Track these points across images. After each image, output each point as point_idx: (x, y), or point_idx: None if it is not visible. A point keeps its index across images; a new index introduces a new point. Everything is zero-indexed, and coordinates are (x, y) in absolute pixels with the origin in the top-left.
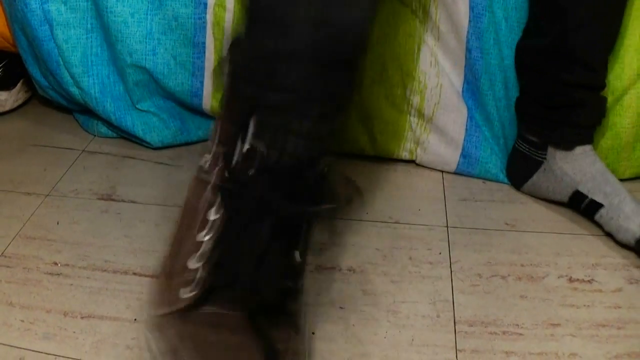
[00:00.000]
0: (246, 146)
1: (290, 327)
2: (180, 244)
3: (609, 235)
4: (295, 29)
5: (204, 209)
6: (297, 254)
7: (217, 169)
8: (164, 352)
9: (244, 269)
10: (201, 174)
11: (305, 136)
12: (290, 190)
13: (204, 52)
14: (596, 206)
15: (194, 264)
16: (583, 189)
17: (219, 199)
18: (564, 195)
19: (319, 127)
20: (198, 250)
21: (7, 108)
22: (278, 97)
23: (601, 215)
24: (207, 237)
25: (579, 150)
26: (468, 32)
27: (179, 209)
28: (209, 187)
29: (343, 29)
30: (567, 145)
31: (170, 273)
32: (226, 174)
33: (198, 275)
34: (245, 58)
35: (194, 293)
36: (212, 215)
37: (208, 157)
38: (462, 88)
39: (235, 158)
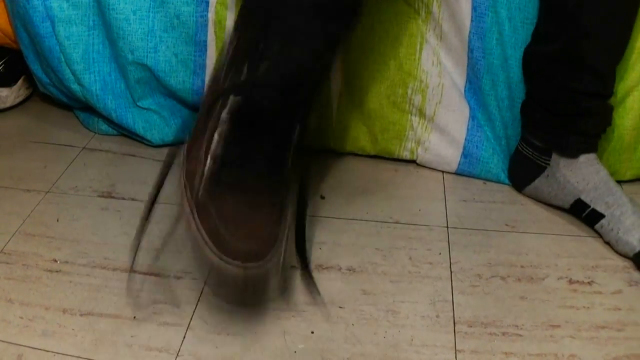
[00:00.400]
0: (260, 49)
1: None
2: (210, 111)
3: (608, 244)
4: None
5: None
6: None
7: (230, 75)
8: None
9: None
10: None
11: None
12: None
13: (206, 51)
14: (597, 216)
15: (217, 136)
16: (585, 198)
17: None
18: (566, 203)
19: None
20: (219, 125)
21: (8, 104)
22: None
23: (602, 225)
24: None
25: (583, 158)
26: (470, 31)
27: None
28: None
29: None
30: (572, 153)
31: (199, 134)
32: (241, 77)
33: (220, 146)
34: None
35: (217, 162)
36: (224, 115)
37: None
38: (464, 88)
39: (249, 63)
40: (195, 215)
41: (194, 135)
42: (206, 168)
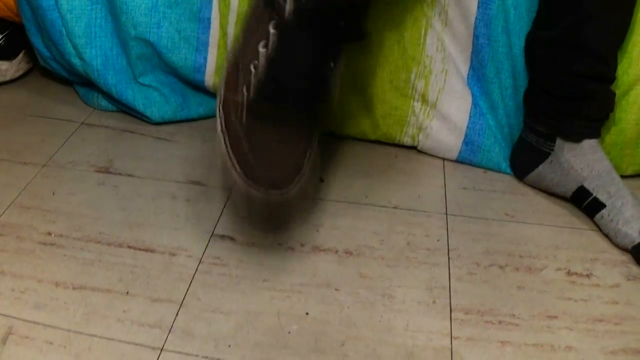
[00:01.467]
0: None
1: (310, 129)
2: (248, 41)
3: (607, 236)
4: None
5: (265, 22)
6: (331, 64)
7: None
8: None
9: (293, 79)
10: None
11: None
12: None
13: (209, 28)
14: (598, 206)
15: (248, 73)
16: (588, 186)
17: (277, 17)
18: (568, 190)
19: None
20: (252, 61)
21: (7, 78)
22: None
23: (602, 216)
24: (262, 50)
25: (587, 144)
26: (476, 18)
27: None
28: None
29: None
30: (576, 137)
31: (237, 65)
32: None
33: (256, 79)
34: None
35: (253, 94)
36: (271, 29)
37: None
38: (468, 75)
39: None
40: (227, 139)
41: (233, 61)
42: (243, 98)
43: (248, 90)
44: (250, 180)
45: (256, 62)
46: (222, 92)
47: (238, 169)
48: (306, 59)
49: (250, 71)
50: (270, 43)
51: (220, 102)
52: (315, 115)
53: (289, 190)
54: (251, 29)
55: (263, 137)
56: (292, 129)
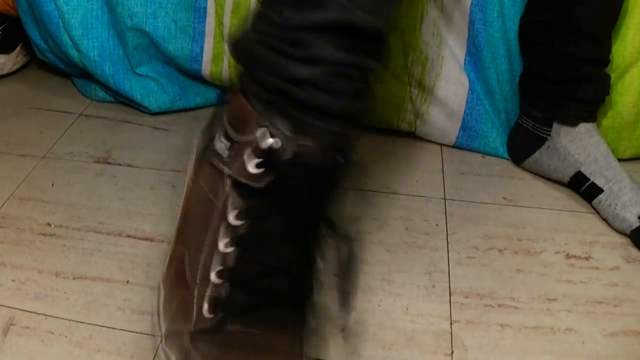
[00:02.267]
0: (271, 135)
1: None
2: (199, 243)
3: (605, 220)
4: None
5: (222, 207)
6: (319, 262)
7: (238, 163)
8: None
9: (272, 285)
10: (217, 162)
11: (336, 115)
12: (321, 188)
13: (205, 17)
14: (596, 191)
15: (217, 278)
16: (586, 171)
17: (240, 202)
18: (565, 175)
19: (351, 106)
20: (220, 262)
21: (5, 71)
22: (308, 71)
23: (600, 200)
24: (229, 249)
25: (584, 128)
26: (472, 3)
27: (186, 189)
28: (228, 182)
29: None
30: (572, 121)
31: (188, 281)
32: (250, 169)
33: (223, 294)
34: (273, 26)
35: (219, 314)
36: (233, 220)
37: (225, 144)
38: (464, 60)
39: (259, 151)
40: None
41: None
42: (206, 322)
43: (213, 310)
44: None
45: (223, 267)
46: (166, 327)
47: None
48: (292, 245)
49: (215, 278)
50: (239, 237)
51: (164, 340)
52: (301, 314)
53: None
54: (199, 225)
55: (249, 347)
56: (276, 338)
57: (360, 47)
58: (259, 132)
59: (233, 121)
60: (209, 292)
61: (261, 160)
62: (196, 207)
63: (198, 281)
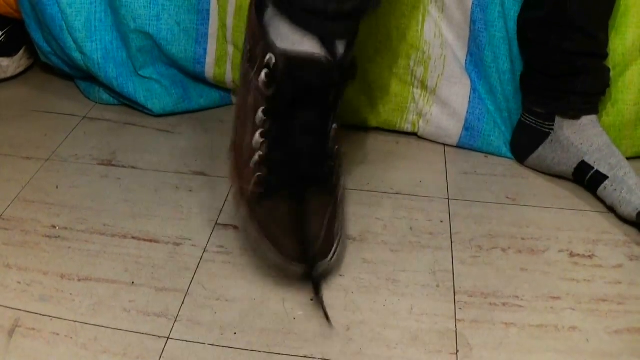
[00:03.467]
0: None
1: (330, 195)
2: (243, 135)
3: (611, 210)
4: None
5: (253, 110)
6: (333, 126)
7: (254, 72)
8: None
9: (298, 167)
10: (248, 69)
11: (330, 17)
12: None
13: (208, 19)
14: (601, 178)
15: (255, 165)
16: (589, 160)
17: (262, 103)
18: (570, 166)
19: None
20: (255, 153)
21: (9, 74)
22: None
23: (605, 187)
24: (260, 140)
25: (586, 119)
26: (473, 3)
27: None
28: (253, 88)
29: None
30: (574, 113)
31: (241, 154)
32: (264, 77)
33: (260, 174)
34: None
35: (259, 190)
36: (260, 116)
37: (247, 56)
38: (466, 60)
39: (264, 64)
40: (255, 226)
41: (237, 150)
42: (258, 186)
43: (260, 180)
44: (289, 260)
45: (260, 153)
46: (236, 183)
47: (273, 250)
48: (307, 135)
49: (256, 160)
50: (266, 131)
51: (238, 192)
52: (329, 177)
53: (330, 258)
54: (243, 116)
55: (288, 216)
56: (313, 200)
57: None
58: (260, 48)
59: (249, 35)
60: (249, 175)
61: (267, 71)
62: (240, 102)
63: (243, 165)
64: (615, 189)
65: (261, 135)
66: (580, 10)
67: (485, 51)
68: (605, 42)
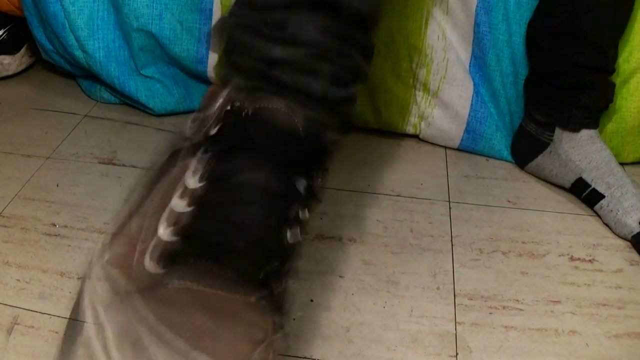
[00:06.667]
0: (232, 97)
1: (273, 310)
2: (151, 204)
3: (607, 225)
4: None
5: (179, 174)
6: (288, 234)
7: (201, 130)
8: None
9: (228, 241)
10: (180, 141)
11: (315, 100)
12: (288, 159)
13: (211, 19)
14: (598, 196)
15: (166, 232)
16: (587, 177)
17: (196, 163)
18: (567, 181)
19: (330, 91)
20: (172, 217)
21: (10, 72)
22: (288, 52)
23: (601, 206)
24: (186, 210)
25: (586, 135)
26: (477, 6)
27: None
28: (186, 147)
29: None
30: (575, 127)
31: (134, 237)
32: (211, 133)
33: (170, 246)
34: (252, 8)
35: (162, 266)
36: (191, 182)
37: (194, 123)
38: (469, 63)
39: (221, 116)
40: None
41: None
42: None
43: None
44: None
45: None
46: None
47: None
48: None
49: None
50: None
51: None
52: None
53: None
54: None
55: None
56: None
57: (341, 29)
58: (221, 99)
59: (202, 105)
60: (153, 244)
61: (222, 123)
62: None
63: (145, 234)
64: (612, 210)
65: (185, 206)
66: (595, 25)
67: (488, 54)
68: (614, 58)
